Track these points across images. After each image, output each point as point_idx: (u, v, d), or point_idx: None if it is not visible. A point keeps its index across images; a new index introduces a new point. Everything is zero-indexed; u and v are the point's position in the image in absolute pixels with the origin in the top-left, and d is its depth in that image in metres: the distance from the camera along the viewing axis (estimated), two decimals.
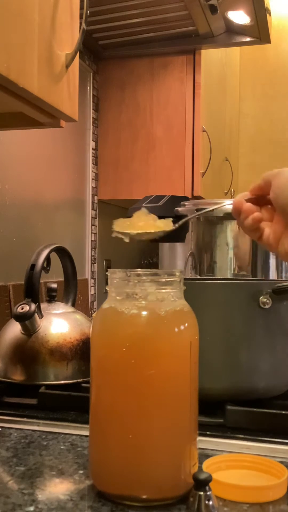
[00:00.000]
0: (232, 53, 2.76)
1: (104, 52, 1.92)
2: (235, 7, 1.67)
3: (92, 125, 1.94)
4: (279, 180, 0.67)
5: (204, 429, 0.79)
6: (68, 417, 0.87)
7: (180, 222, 0.73)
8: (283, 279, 1.48)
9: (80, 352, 0.99)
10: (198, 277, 1.48)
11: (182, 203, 1.51)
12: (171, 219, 0.70)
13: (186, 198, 1.55)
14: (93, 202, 1.95)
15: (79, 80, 1.00)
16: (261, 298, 0.87)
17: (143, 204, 1.50)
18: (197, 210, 1.46)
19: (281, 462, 0.67)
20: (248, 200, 0.71)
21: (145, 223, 0.70)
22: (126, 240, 0.69)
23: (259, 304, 0.87)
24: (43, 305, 1.04)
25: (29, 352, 0.97)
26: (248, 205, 0.70)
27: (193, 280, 1.23)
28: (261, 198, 0.70)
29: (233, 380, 0.88)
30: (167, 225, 0.71)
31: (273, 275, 1.47)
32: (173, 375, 0.61)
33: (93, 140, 1.95)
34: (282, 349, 0.91)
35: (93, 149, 1.95)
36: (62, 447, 0.77)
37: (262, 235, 0.68)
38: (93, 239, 1.95)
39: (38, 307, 1.00)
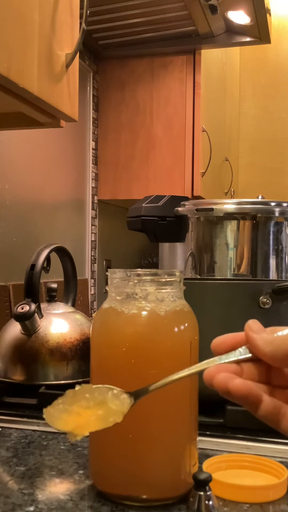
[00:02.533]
0: (232, 53, 2.76)
1: (104, 52, 1.93)
2: (235, 7, 1.67)
3: (92, 125, 1.94)
4: None
5: (204, 429, 0.79)
6: None
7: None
8: (283, 279, 1.48)
9: (80, 352, 0.99)
10: (198, 277, 1.48)
11: (182, 203, 1.51)
12: (130, 402, 0.50)
13: (186, 198, 1.55)
14: (93, 202, 1.95)
15: (79, 80, 1.00)
16: (261, 298, 0.87)
17: (143, 204, 1.50)
18: (197, 210, 1.46)
19: (281, 462, 0.67)
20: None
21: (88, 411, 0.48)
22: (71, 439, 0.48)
23: (259, 304, 0.87)
24: (43, 305, 1.04)
25: (29, 352, 0.97)
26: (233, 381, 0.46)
27: (193, 280, 1.23)
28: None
29: None
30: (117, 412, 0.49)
31: (273, 275, 1.47)
32: None
33: (93, 140, 1.95)
34: None
35: (93, 149, 1.95)
36: (62, 447, 0.76)
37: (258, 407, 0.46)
38: (93, 239, 1.95)
39: (38, 307, 1.00)
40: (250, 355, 0.47)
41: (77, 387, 0.48)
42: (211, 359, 0.48)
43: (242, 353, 0.48)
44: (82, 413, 0.47)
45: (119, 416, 0.48)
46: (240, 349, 0.48)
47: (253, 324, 0.48)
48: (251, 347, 0.48)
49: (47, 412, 0.47)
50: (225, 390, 0.46)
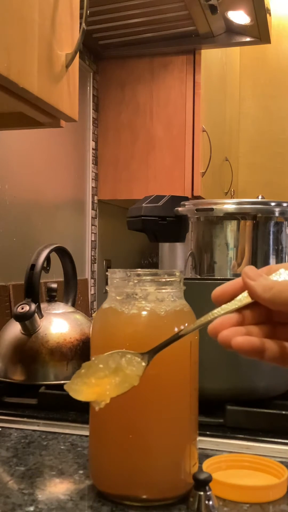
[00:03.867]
0: (232, 53, 2.76)
1: (104, 52, 1.92)
2: (235, 7, 1.67)
3: (92, 125, 1.94)
4: None
5: (204, 429, 0.79)
6: (68, 417, 0.87)
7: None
8: None
9: (80, 352, 0.99)
10: (198, 277, 1.48)
11: (182, 203, 1.51)
12: (143, 364, 0.52)
13: (186, 198, 1.55)
14: (93, 202, 1.95)
15: (79, 80, 1.00)
16: None
17: (143, 204, 1.50)
18: (197, 210, 1.46)
19: (281, 462, 0.67)
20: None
21: (107, 379, 0.52)
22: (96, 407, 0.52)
23: None
24: (43, 305, 1.04)
25: (29, 352, 0.97)
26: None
27: (193, 280, 1.23)
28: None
29: (233, 380, 0.88)
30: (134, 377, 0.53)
31: None
32: (173, 375, 0.61)
33: (93, 140, 1.95)
34: None
35: (93, 149, 1.95)
36: (62, 447, 0.76)
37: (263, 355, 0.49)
38: (93, 239, 1.95)
39: (38, 307, 1.00)
40: (250, 300, 0.50)
41: (92, 359, 0.52)
42: (215, 310, 0.50)
43: (242, 300, 0.50)
44: (100, 383, 0.51)
45: (136, 380, 0.51)
46: (240, 296, 0.50)
47: (250, 271, 0.50)
48: (250, 294, 0.50)
49: (69, 387, 0.51)
50: (228, 346, 0.49)
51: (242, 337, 0.48)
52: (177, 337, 0.52)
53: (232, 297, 0.51)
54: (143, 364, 0.52)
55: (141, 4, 1.59)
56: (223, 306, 0.50)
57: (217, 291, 0.52)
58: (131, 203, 1.62)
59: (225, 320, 0.49)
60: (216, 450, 0.75)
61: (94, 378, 0.51)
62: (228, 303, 0.50)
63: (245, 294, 0.50)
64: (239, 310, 0.50)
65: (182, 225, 1.50)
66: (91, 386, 0.50)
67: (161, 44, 1.87)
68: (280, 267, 0.51)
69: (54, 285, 1.08)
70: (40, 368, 0.97)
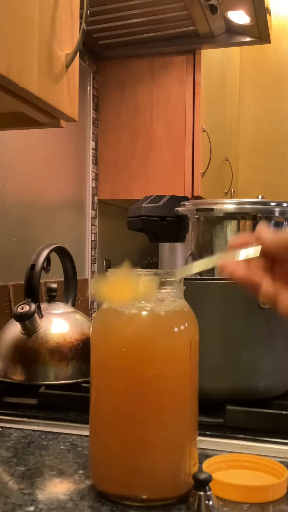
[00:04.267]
0: (232, 53, 2.76)
1: (104, 52, 1.92)
2: (235, 7, 1.67)
3: (92, 125, 1.94)
4: None
5: (204, 429, 0.79)
6: (68, 417, 0.87)
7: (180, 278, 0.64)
8: None
9: (80, 352, 0.99)
10: (198, 277, 1.48)
11: (182, 203, 1.51)
12: (155, 279, 0.61)
13: (186, 198, 1.55)
14: (93, 202, 1.95)
15: (79, 80, 1.00)
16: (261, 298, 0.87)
17: (143, 204, 1.50)
18: (197, 210, 1.46)
19: (281, 462, 0.67)
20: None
21: (125, 289, 0.61)
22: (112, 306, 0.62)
23: (259, 304, 0.87)
24: (43, 305, 1.04)
25: (29, 352, 0.97)
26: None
27: (193, 280, 1.23)
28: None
29: (233, 380, 0.88)
30: (148, 290, 0.61)
31: None
32: (173, 375, 0.61)
33: (93, 140, 1.95)
34: (282, 349, 0.91)
35: (93, 149, 1.95)
36: (62, 447, 0.77)
37: (259, 290, 0.62)
38: (93, 239, 1.95)
39: (38, 307, 1.00)
40: (259, 249, 0.61)
41: (112, 272, 0.62)
42: (228, 254, 0.62)
43: (253, 251, 0.62)
44: (124, 293, 0.61)
45: (153, 290, 0.61)
46: (251, 248, 0.62)
47: (264, 226, 0.63)
48: (260, 241, 0.62)
49: (96, 293, 0.62)
50: (231, 277, 0.61)
51: (244, 270, 0.61)
52: (191, 267, 0.63)
53: (244, 246, 0.63)
54: (157, 281, 0.61)
55: (141, 4, 1.59)
56: (235, 252, 0.62)
57: (233, 241, 0.64)
58: (131, 203, 1.62)
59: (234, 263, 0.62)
60: (216, 450, 0.75)
61: (117, 291, 0.61)
62: (240, 250, 0.62)
63: (253, 249, 0.61)
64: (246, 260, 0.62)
65: (182, 225, 1.50)
66: (113, 296, 0.62)
67: (161, 44, 1.87)
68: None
69: (54, 285, 1.08)
70: (40, 368, 0.97)
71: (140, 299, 0.60)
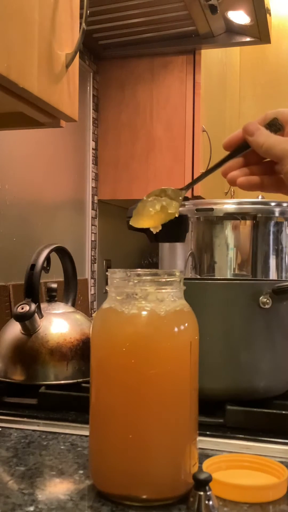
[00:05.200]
0: (232, 53, 2.76)
1: (104, 52, 1.92)
2: (235, 7, 1.67)
3: (92, 125, 1.94)
4: None
5: (204, 429, 0.79)
6: (68, 417, 0.87)
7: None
8: (283, 279, 1.48)
9: (80, 352, 0.99)
10: (198, 277, 1.48)
11: (182, 203, 1.51)
12: (180, 199, 0.72)
13: (186, 198, 1.55)
14: (93, 202, 1.95)
15: (79, 80, 1.00)
16: (261, 298, 0.87)
17: None
18: (197, 210, 1.46)
19: (281, 462, 0.67)
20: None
21: (155, 214, 0.73)
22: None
23: (259, 304, 0.87)
24: (43, 305, 1.04)
25: (29, 352, 0.97)
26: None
27: (193, 280, 1.23)
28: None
29: (233, 380, 0.88)
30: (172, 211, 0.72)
31: (273, 275, 1.47)
32: (173, 375, 0.61)
33: (93, 140, 1.95)
34: (282, 349, 0.91)
35: (93, 149, 1.95)
36: (62, 447, 0.77)
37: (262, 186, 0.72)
38: (93, 239, 1.95)
39: (38, 307, 1.00)
40: (250, 148, 0.69)
41: (145, 199, 0.73)
42: (224, 157, 0.71)
43: (244, 148, 0.70)
44: (153, 217, 0.72)
45: (176, 211, 0.72)
46: (243, 144, 0.70)
47: (249, 126, 0.69)
48: (251, 145, 0.68)
49: (132, 221, 0.73)
50: (234, 184, 0.69)
51: (244, 177, 0.69)
52: (206, 172, 0.71)
53: (237, 144, 0.70)
54: (180, 198, 0.71)
55: (141, 4, 1.59)
56: (229, 153, 0.69)
57: (226, 141, 0.71)
58: (131, 203, 1.62)
59: (233, 164, 0.70)
60: (216, 450, 0.75)
61: (146, 216, 0.72)
62: (233, 151, 0.70)
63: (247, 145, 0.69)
64: (244, 155, 0.69)
65: (182, 225, 1.50)
66: (146, 220, 0.73)
67: (161, 44, 1.87)
68: (275, 114, 0.72)
69: (54, 285, 1.08)
70: (40, 368, 0.97)
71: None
